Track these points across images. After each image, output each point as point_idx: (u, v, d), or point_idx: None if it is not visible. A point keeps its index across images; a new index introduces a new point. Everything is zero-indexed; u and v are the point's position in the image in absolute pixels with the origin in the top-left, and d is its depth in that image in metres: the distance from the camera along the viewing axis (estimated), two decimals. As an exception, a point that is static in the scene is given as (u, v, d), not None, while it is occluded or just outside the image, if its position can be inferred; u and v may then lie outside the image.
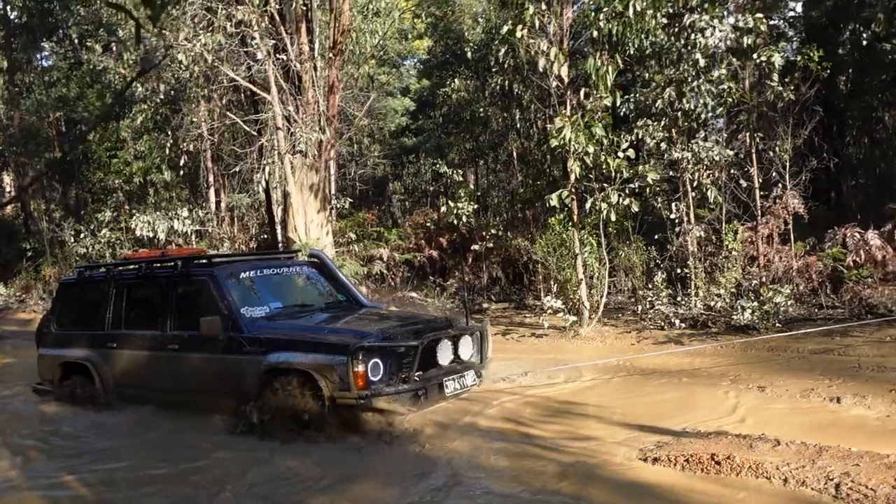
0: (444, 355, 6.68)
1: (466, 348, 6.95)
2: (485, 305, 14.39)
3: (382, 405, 6.13)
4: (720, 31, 10.01)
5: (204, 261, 7.76)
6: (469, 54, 14.77)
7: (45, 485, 5.72)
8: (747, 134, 11.01)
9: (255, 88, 13.42)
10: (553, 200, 10.51)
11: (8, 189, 27.02)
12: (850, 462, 4.89)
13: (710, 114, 10.71)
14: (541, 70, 10.53)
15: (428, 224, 17.25)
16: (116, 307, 7.83)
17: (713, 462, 5.08)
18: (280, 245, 13.96)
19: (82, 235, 18.42)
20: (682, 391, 7.49)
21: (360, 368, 5.96)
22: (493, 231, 14.14)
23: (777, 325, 9.71)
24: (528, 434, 6.27)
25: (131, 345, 7.61)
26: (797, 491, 4.59)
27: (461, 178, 14.37)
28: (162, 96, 15.84)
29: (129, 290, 7.88)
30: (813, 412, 6.41)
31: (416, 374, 6.35)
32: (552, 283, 11.69)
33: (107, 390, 7.74)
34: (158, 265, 7.88)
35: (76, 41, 18.30)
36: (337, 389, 6.04)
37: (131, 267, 8.27)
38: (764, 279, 10.55)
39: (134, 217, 16.30)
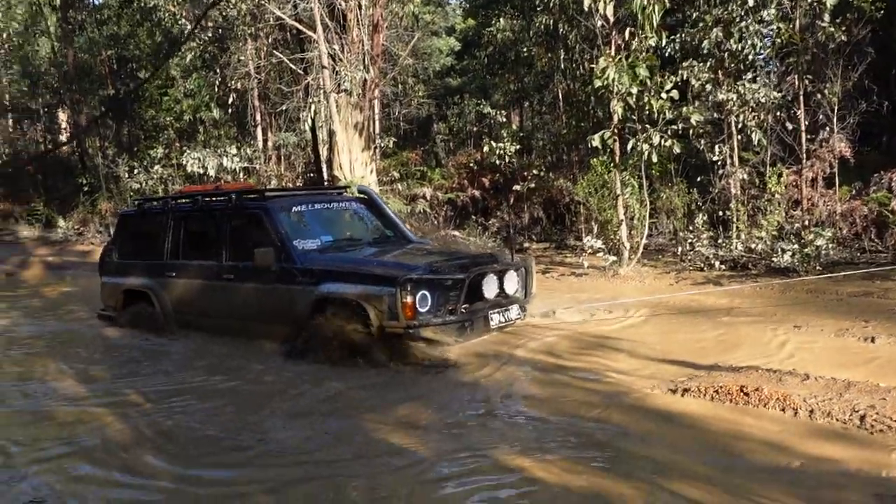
0: (490, 289, 6.87)
1: (512, 283, 7.13)
2: (525, 245, 14.56)
3: (429, 335, 6.38)
4: (772, -32, 9.80)
5: (257, 195, 7.96)
6: (514, -7, 14.59)
7: (108, 399, 6.08)
8: (795, 76, 10.82)
9: (300, 27, 13.54)
10: (595, 141, 10.55)
11: (63, 126, 27.72)
12: (877, 396, 5.04)
13: (757, 55, 10.55)
14: (586, 9, 10.46)
15: (471, 164, 17.35)
16: (174, 238, 8.14)
17: (742, 393, 5.27)
18: (325, 183, 14.24)
19: (136, 171, 18.94)
20: (716, 329, 7.62)
21: (409, 299, 6.18)
22: (535, 172, 14.22)
23: (818, 267, 9.73)
24: (564, 366, 6.48)
25: (188, 274, 7.93)
26: (823, 422, 4.75)
27: (505, 119, 14.38)
28: (210, 34, 16.05)
29: (185, 222, 8.17)
30: (846, 350, 6.52)
31: (463, 306, 6.55)
32: (593, 223, 11.80)
33: (166, 316, 8.11)
34: (213, 198, 8.16)
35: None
36: (385, 319, 6.28)
37: (187, 200, 8.54)
38: (807, 222, 10.52)
39: (185, 154, 16.73)
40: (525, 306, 7.30)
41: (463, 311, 6.55)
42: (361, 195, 8.66)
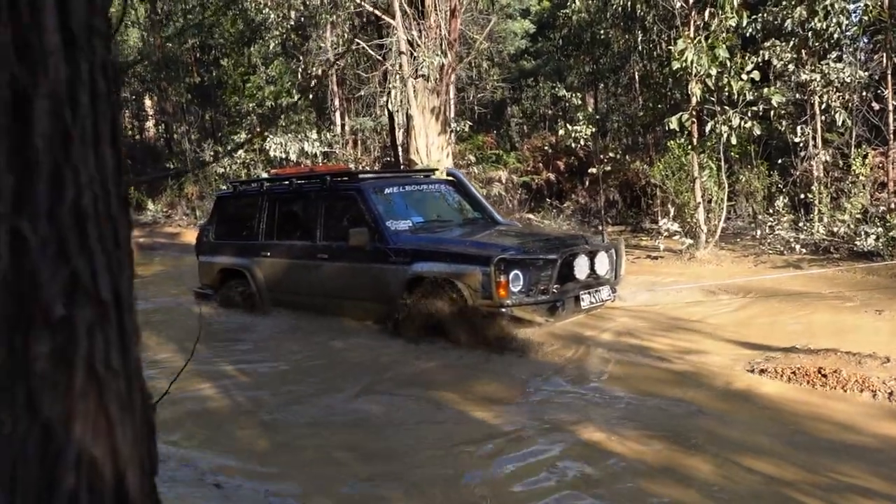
0: (581, 270, 6.93)
1: (602, 264, 7.18)
2: (601, 228, 14.56)
3: (522, 314, 6.48)
4: (859, -56, 9.54)
5: (350, 177, 8.18)
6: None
7: (206, 370, 6.45)
8: (884, 54, 10.51)
9: (379, 13, 13.83)
10: (673, 123, 10.51)
11: (150, 112, 28.91)
12: (960, 380, 5.02)
13: (843, 33, 10.28)
14: (664, -10, 10.40)
15: (545, 147, 17.38)
16: (269, 219, 8.38)
17: (820, 375, 5.30)
18: (402, 166, 14.55)
19: (220, 156, 19.66)
20: (795, 313, 7.58)
21: (502, 278, 6.29)
22: (611, 154, 14.19)
23: (904, 252, 9.52)
24: (642, 347, 6.56)
25: (283, 254, 8.16)
26: (902, 404, 4.79)
27: (580, 102, 14.37)
28: (292, 22, 16.50)
29: (280, 204, 8.39)
30: (929, 335, 6.45)
31: (555, 286, 6.65)
32: (669, 206, 11.74)
33: (262, 295, 8.34)
34: (307, 181, 8.33)
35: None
36: (479, 298, 6.40)
37: (282, 182, 8.74)
38: (893, 205, 10.25)
39: (267, 139, 17.29)
40: (615, 287, 7.35)
41: (555, 290, 6.65)
42: (449, 178, 8.77)
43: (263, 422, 5.07)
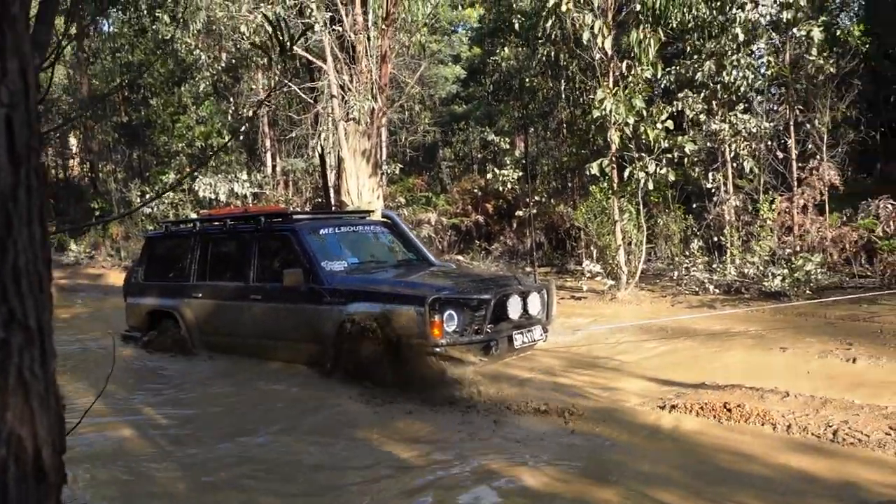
0: (515, 310, 6.98)
1: (535, 305, 7.25)
2: (528, 269, 14.91)
3: (456, 354, 6.52)
4: (761, 5, 10.24)
5: (285, 218, 8.15)
6: (517, 25, 15.06)
7: (127, 413, 6.41)
8: (786, 106, 11.23)
9: (311, 58, 14.02)
10: (594, 169, 10.96)
11: (74, 150, 28.32)
12: (850, 412, 5.35)
13: (749, 87, 10.96)
14: (585, 42, 10.90)
15: (475, 190, 17.76)
16: (201, 260, 8.32)
17: (725, 410, 5.58)
18: (333, 208, 14.63)
19: (147, 196, 19.40)
20: (707, 351, 7.94)
21: (437, 318, 6.34)
22: (536, 198, 14.61)
23: (808, 292, 10.06)
24: (561, 384, 6.76)
25: (215, 295, 8.11)
26: (799, 436, 5.06)
27: (508, 146, 14.81)
28: (223, 64, 16.56)
29: (213, 244, 8.37)
30: (828, 370, 6.81)
31: (488, 326, 6.70)
32: (592, 248, 12.15)
33: (192, 337, 8.25)
34: (241, 221, 8.34)
35: (144, 10, 19.13)
36: (414, 338, 6.41)
37: (214, 223, 8.72)
38: (798, 248, 10.87)
39: (196, 179, 17.16)
40: (547, 328, 7.44)
41: (488, 330, 6.69)
42: (384, 219, 8.90)
43: (182, 463, 5.05)
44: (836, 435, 4.98)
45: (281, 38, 1.91)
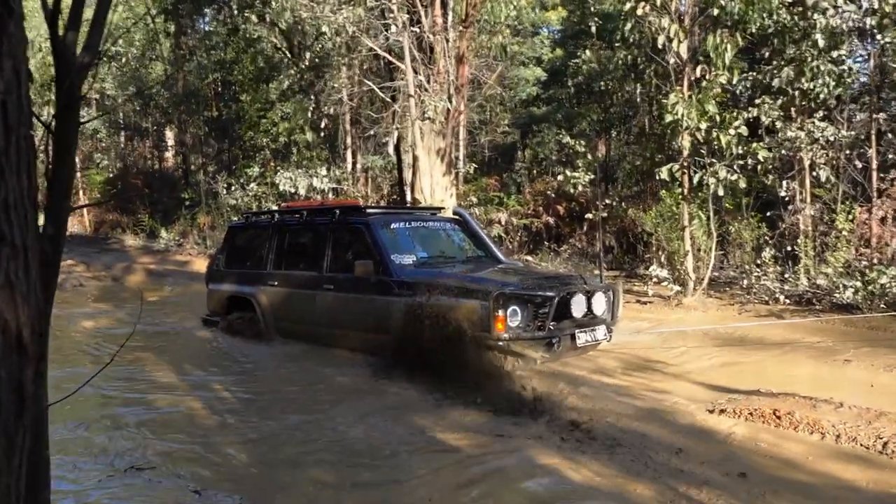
0: (578, 309, 7.03)
1: (599, 304, 7.27)
2: (596, 272, 14.88)
3: (519, 349, 6.63)
4: (844, 10, 9.99)
5: (359, 211, 8.35)
6: (594, 29, 15.07)
7: (200, 389, 6.85)
8: (868, 114, 10.92)
9: (390, 58, 14.41)
10: (663, 174, 10.91)
11: (170, 144, 29.73)
12: (904, 426, 5.29)
13: (828, 94, 10.70)
14: (660, 47, 10.87)
15: (548, 192, 17.83)
16: (278, 249, 8.65)
17: (774, 416, 5.58)
18: (408, 204, 14.97)
19: (233, 188, 20.22)
20: (767, 359, 7.86)
21: (500, 313, 6.43)
22: (608, 201, 14.59)
23: (882, 305, 9.78)
24: (615, 384, 6.84)
25: (290, 283, 8.40)
26: (847, 446, 5.03)
27: (583, 149, 14.81)
28: (307, 63, 17.15)
29: (289, 235, 8.68)
30: (890, 384, 6.69)
31: (552, 323, 6.76)
32: (661, 253, 12.09)
33: (267, 323, 8.54)
34: (317, 213, 8.58)
35: (234, 10, 19.97)
36: (478, 331, 6.51)
37: (292, 214, 9.03)
38: (876, 261, 10.56)
39: (278, 173, 17.81)
40: (612, 328, 7.43)
41: (551, 328, 6.76)
42: (455, 216, 9.01)
43: (249, 440, 5.38)
44: (886, 447, 4.92)
45: (291, 43, 2.13)
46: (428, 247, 8.17)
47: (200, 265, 18.00)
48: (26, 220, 1.18)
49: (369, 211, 8.48)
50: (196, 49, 24.04)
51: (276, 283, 8.56)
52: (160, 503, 4.22)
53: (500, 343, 6.53)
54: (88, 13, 1.75)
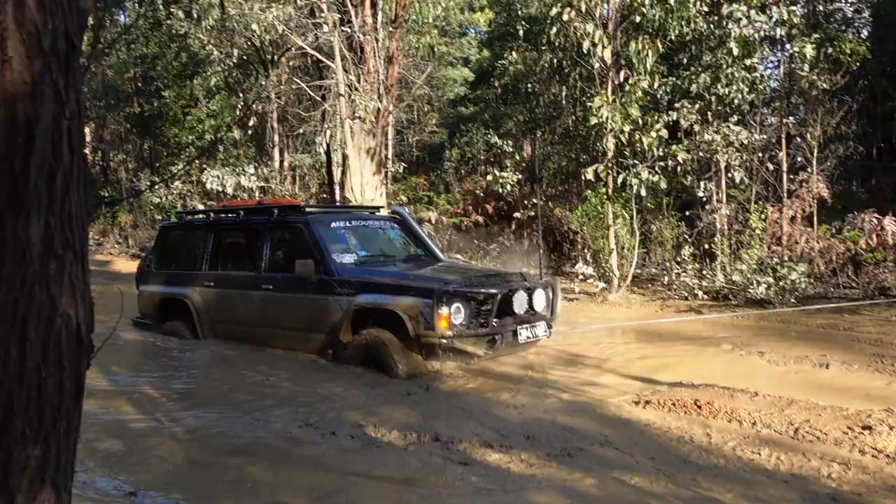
0: (520, 305, 7.11)
1: (539, 300, 7.38)
2: (523, 270, 15.17)
3: (462, 346, 6.72)
4: (756, 21, 10.54)
5: (297, 210, 8.25)
6: (521, 32, 15.38)
7: (128, 390, 6.73)
8: (778, 119, 11.55)
9: (320, 57, 14.36)
10: (589, 174, 11.29)
11: (87, 139, 28.74)
12: (813, 412, 5.67)
13: (742, 100, 11.25)
14: (585, 51, 11.22)
15: (476, 191, 18.09)
16: (214, 249, 8.50)
17: (696, 406, 5.91)
18: (337, 203, 14.95)
19: (156, 186, 19.77)
20: (686, 353, 8.27)
21: (444, 311, 6.49)
22: (535, 200, 14.92)
23: (792, 300, 10.37)
24: (543, 379, 7.06)
25: (227, 284, 8.26)
26: (762, 432, 5.37)
27: (511, 149, 15.11)
28: (235, 60, 16.90)
29: (226, 235, 8.58)
30: (801, 374, 7.16)
31: (494, 320, 6.85)
32: (587, 251, 12.48)
33: (202, 325, 8.41)
34: (255, 213, 8.43)
35: (159, 3, 19.52)
36: (422, 329, 6.58)
37: (228, 213, 8.82)
38: (786, 258, 11.18)
39: (204, 171, 17.51)
40: (551, 324, 7.55)
41: (494, 324, 6.86)
42: (394, 215, 9.03)
43: (181, 440, 5.37)
44: (797, 432, 5.29)
45: (263, 57, 2.26)
46: (368, 246, 8.19)
47: (122, 265, 17.58)
48: (83, 230, 1.33)
49: (309, 210, 8.40)
50: (116, 43, 23.32)
51: (211, 283, 8.43)
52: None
53: (444, 340, 6.60)
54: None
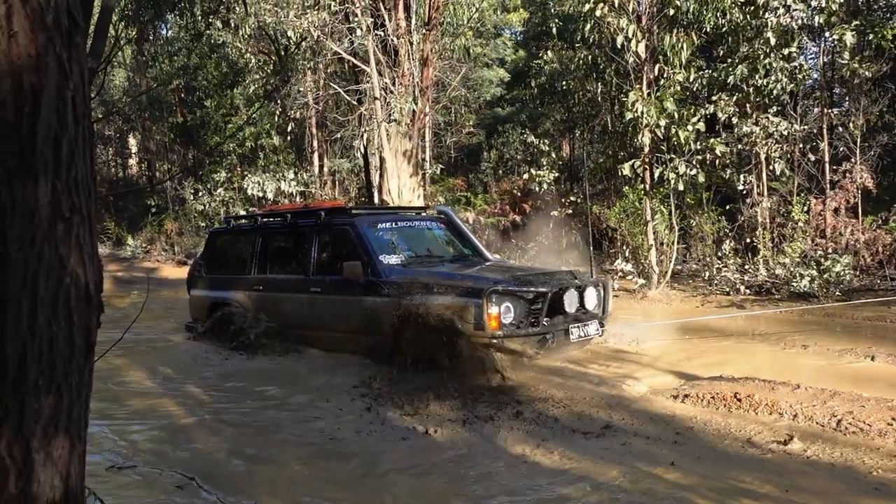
0: (571, 304, 7.01)
1: (591, 299, 7.26)
2: (556, 268, 15.09)
3: (512, 346, 6.60)
4: (793, 9, 10.35)
5: (343, 212, 8.21)
6: (555, 30, 15.33)
7: (178, 391, 6.85)
8: (819, 109, 11.31)
9: (355, 61, 14.52)
10: (625, 170, 11.20)
11: (133, 150, 29.47)
12: (857, 404, 5.54)
13: (782, 90, 11.04)
14: (619, 47, 11.15)
15: (514, 191, 18.07)
16: (262, 253, 8.54)
17: (735, 399, 5.82)
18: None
19: (200, 194, 20.16)
20: (727, 347, 8.15)
21: (494, 310, 6.41)
22: (572, 199, 14.87)
23: (837, 293, 10.14)
24: (582, 373, 6.99)
25: (275, 287, 8.27)
26: (804, 424, 5.28)
27: (547, 148, 15.05)
28: (272, 67, 17.20)
29: (273, 238, 8.62)
30: (845, 367, 6.99)
31: (545, 319, 6.75)
32: (625, 248, 12.37)
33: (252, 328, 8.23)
34: (301, 216, 8.44)
35: (198, 15, 19.94)
36: (472, 329, 6.45)
37: (276, 217, 8.88)
38: (830, 250, 10.94)
39: (246, 178, 17.80)
40: (604, 322, 7.41)
41: (545, 324, 6.74)
42: (441, 215, 8.97)
43: (228, 437, 5.46)
44: (840, 424, 5.18)
45: (278, 47, 2.31)
46: (415, 246, 8.09)
47: (168, 271, 17.96)
48: (90, 194, 1.42)
49: (355, 212, 8.38)
50: (158, 55, 23.90)
51: (261, 287, 8.45)
52: (144, 500, 4.29)
53: (495, 340, 6.51)
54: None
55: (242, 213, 16.04)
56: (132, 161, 30.12)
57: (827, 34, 10.78)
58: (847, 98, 11.57)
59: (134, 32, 23.98)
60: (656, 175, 11.16)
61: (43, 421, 1.33)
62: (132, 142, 29.10)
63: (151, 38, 25.32)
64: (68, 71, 1.35)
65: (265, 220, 8.97)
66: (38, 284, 1.33)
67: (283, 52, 15.90)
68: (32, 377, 1.33)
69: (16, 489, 1.26)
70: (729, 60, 11.41)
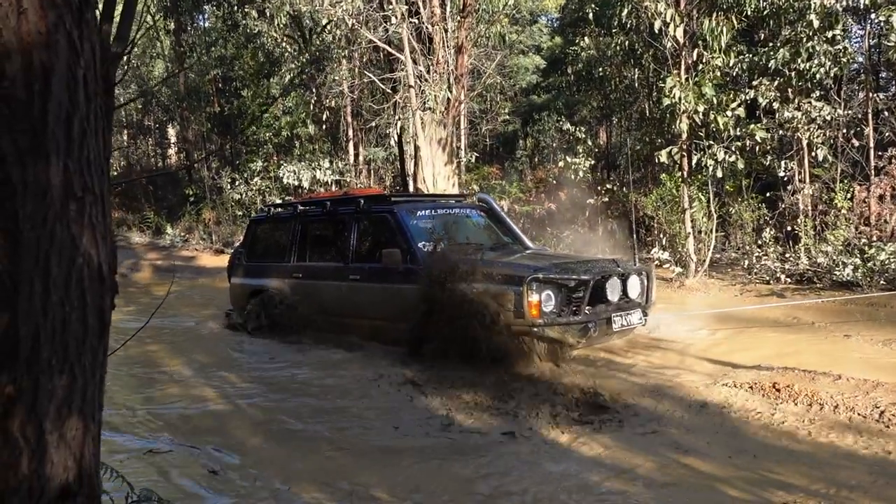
0: (614, 292, 6.91)
1: (634, 287, 7.16)
2: (598, 256, 14.96)
3: (553, 335, 6.49)
4: (837, -11, 10.07)
5: (383, 200, 8.19)
6: (591, 15, 15.12)
7: (214, 378, 6.89)
8: (864, 94, 11.00)
9: (390, 49, 14.51)
10: (662, 157, 11.02)
11: (172, 140, 29.86)
12: (901, 395, 5.40)
13: (825, 74, 10.75)
14: (657, 32, 10.95)
15: (549, 179, 17.93)
16: (302, 241, 8.56)
17: (774, 389, 5.71)
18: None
19: (237, 183, 20.36)
20: (768, 337, 7.99)
21: (534, 298, 6.32)
22: (608, 186, 14.70)
23: (882, 282, 9.87)
24: (621, 363, 6.93)
25: (315, 275, 8.28)
26: (845, 416, 5.16)
27: (583, 135, 14.89)
28: (307, 56, 17.26)
29: (312, 226, 8.63)
30: (888, 357, 6.82)
31: (587, 308, 6.65)
32: (662, 236, 12.20)
33: (291, 315, 8.30)
34: (341, 203, 8.42)
35: (234, 6, 20.08)
36: (512, 317, 6.40)
37: (315, 205, 8.89)
38: (875, 238, 10.65)
39: (281, 167, 17.91)
40: (647, 311, 7.29)
41: (586, 312, 6.64)
42: (481, 203, 8.92)
43: (262, 423, 5.50)
44: (883, 415, 5.05)
45: (303, 29, 2.28)
46: (455, 234, 7.95)
47: (207, 260, 18.19)
48: (102, 174, 1.42)
49: (394, 199, 8.34)
50: (196, 46, 24.14)
51: (300, 274, 8.47)
52: (179, 484, 4.34)
53: (535, 329, 6.44)
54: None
55: (278, 201, 16.15)
56: (171, 151, 30.52)
57: (873, 16, 10.43)
58: (893, 82, 11.22)
59: (172, 23, 24.27)
60: (694, 162, 10.96)
61: (56, 401, 1.33)
62: (171, 132, 29.47)
63: (189, 28, 25.57)
64: (79, 48, 1.34)
65: (305, 207, 8.96)
66: (51, 264, 1.32)
67: (307, 35, 15.93)
68: (45, 357, 1.32)
69: (28, 470, 1.26)
70: (770, 44, 11.12)
